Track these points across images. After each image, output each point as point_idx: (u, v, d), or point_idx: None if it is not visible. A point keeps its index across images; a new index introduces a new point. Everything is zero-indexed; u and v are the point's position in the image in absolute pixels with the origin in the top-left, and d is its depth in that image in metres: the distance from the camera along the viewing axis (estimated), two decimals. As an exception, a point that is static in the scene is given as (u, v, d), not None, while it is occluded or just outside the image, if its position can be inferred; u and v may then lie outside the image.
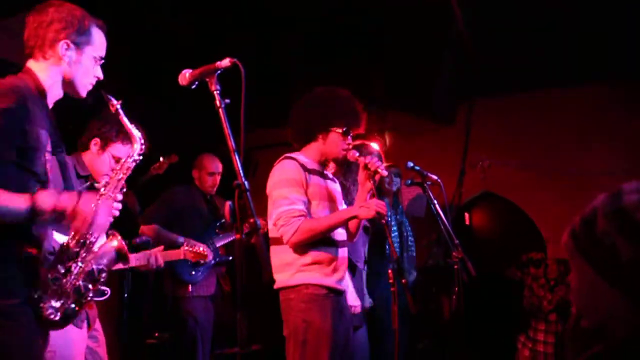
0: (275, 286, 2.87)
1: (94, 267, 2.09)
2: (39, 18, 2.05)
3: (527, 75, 5.55)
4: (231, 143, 1.97)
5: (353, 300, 3.33)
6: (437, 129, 6.08)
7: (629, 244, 1.00)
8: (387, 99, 5.56)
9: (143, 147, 2.28)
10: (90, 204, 1.94)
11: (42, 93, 2.04)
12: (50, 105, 2.10)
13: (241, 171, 1.91)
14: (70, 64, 2.07)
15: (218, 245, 4.33)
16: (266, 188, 2.94)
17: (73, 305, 2.00)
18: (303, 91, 3.13)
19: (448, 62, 5.54)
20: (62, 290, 1.98)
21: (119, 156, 2.90)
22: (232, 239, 4.38)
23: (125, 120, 2.26)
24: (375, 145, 4.26)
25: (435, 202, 3.36)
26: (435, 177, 3.53)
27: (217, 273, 4.45)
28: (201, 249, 3.84)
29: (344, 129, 2.94)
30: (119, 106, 2.22)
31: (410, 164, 3.48)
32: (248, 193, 1.89)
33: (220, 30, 4.98)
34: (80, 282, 2.03)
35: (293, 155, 2.96)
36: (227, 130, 1.99)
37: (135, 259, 3.24)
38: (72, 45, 2.06)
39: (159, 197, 4.40)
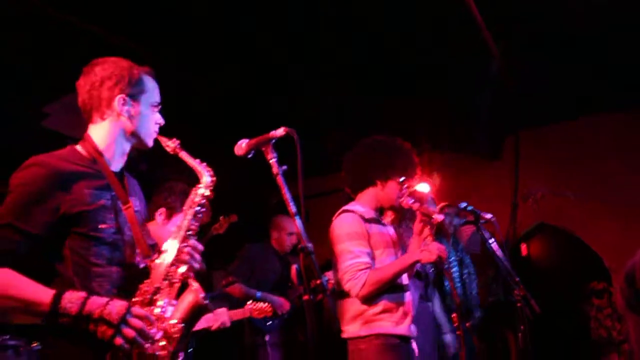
0: (345, 336, 2.88)
1: (168, 323, 1.92)
2: (89, 80, 2.01)
3: (570, 102, 5.53)
4: (292, 208, 2.05)
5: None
6: (484, 165, 6.08)
7: None
8: (432, 139, 5.61)
9: (214, 179, 2.14)
10: (120, 310, 1.76)
11: (95, 155, 1.98)
12: (115, 164, 2.05)
13: (304, 235, 2.01)
14: (130, 118, 2.02)
15: (291, 297, 4.53)
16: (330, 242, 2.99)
17: None
18: (347, 138, 3.21)
19: (489, 96, 5.58)
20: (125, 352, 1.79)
21: None
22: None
23: (187, 157, 2.14)
24: (425, 187, 4.30)
25: (491, 240, 3.36)
26: (488, 215, 3.53)
27: (293, 322, 4.63)
28: (265, 307, 3.96)
29: (402, 179, 3.02)
30: (176, 145, 2.12)
31: (463, 205, 3.50)
32: (313, 256, 1.97)
33: (263, 83, 5.18)
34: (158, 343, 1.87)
35: (350, 207, 3.02)
36: (286, 196, 2.04)
37: (205, 321, 3.36)
38: (127, 99, 2.01)
39: (237, 255, 4.68)
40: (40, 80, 4.59)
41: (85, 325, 1.73)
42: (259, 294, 4.36)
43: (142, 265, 2.01)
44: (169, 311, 1.95)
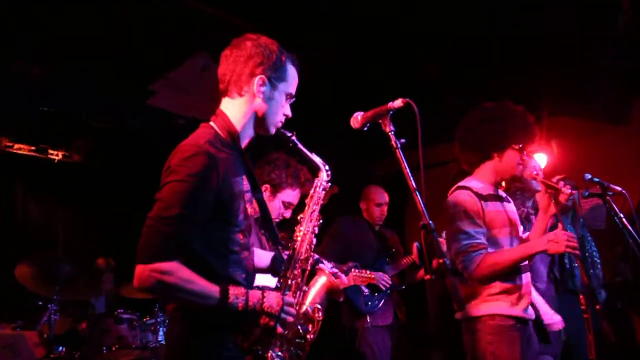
0: (459, 317, 2.80)
1: (308, 307, 2.07)
2: (237, 52, 2.00)
3: None
4: (412, 183, 1.95)
5: (549, 318, 3.14)
6: (609, 130, 5.56)
7: None
8: (553, 103, 5.21)
9: (329, 172, 2.23)
10: (279, 302, 1.86)
11: (234, 136, 1.99)
12: (244, 146, 2.05)
13: (425, 212, 1.90)
14: (264, 100, 2.00)
15: (390, 274, 4.35)
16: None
17: (296, 351, 1.96)
18: (460, 106, 3.02)
19: (615, 55, 5.07)
20: (284, 338, 1.92)
21: (288, 201, 2.98)
22: (403, 268, 4.42)
23: (305, 150, 2.19)
24: (542, 157, 4.02)
25: (621, 214, 3.09)
26: (618, 187, 3.25)
27: (394, 303, 4.47)
28: (368, 274, 3.90)
29: (520, 146, 2.83)
30: (294, 138, 2.14)
31: (589, 176, 3.23)
32: (435, 234, 1.87)
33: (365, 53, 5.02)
34: (299, 326, 2.00)
35: (465, 183, 2.89)
36: (406, 170, 1.97)
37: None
38: (267, 81, 1.99)
39: (327, 232, 4.48)
40: (144, 58, 4.67)
41: (249, 319, 1.82)
42: (352, 265, 4.16)
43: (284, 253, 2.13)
44: (309, 296, 2.11)
